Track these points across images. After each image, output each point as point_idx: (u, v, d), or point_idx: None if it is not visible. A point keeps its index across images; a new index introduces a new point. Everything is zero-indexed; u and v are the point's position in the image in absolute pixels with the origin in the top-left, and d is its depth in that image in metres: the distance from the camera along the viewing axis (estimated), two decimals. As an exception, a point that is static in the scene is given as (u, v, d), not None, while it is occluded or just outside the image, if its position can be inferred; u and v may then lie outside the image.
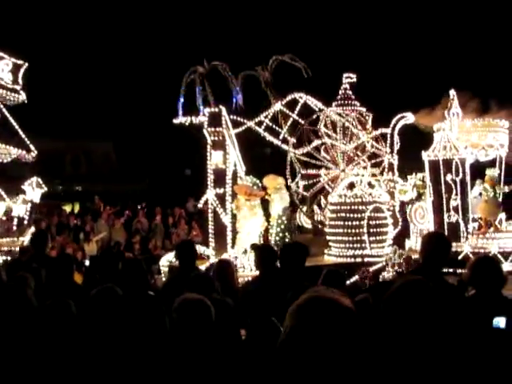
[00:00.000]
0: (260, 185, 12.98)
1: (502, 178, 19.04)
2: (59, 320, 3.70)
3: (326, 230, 14.06)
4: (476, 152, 18.20)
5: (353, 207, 13.57)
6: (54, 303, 3.85)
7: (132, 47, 26.72)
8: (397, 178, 14.78)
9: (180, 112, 13.04)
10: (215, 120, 12.07)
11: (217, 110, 12.16)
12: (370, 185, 14.02)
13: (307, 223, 15.03)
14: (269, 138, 13.86)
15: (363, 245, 13.43)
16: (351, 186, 13.99)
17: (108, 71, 27.07)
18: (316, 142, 14.44)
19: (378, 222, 13.59)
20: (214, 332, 3.34)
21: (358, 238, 13.46)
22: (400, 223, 14.66)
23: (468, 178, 17.35)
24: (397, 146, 15.19)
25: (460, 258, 16.34)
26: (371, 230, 13.49)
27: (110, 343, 3.50)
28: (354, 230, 13.49)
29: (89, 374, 3.34)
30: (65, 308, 3.81)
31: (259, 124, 13.82)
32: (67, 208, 25.81)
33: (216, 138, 12.30)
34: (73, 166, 31.70)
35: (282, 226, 13.85)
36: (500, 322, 3.82)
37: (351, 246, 13.48)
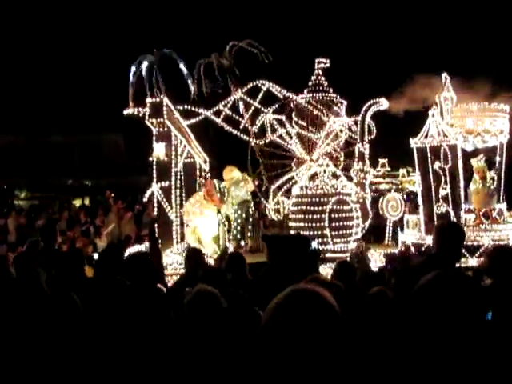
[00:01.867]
0: (225, 192, 12.53)
1: (504, 165, 17.85)
2: (63, 314, 3.73)
3: (290, 223, 13.38)
4: (472, 139, 17.07)
5: (314, 199, 12.82)
6: (57, 297, 3.92)
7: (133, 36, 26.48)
8: (368, 167, 13.87)
9: (131, 103, 12.55)
10: (156, 110, 11.51)
11: (158, 99, 11.59)
12: (335, 175, 13.22)
13: (276, 216, 14.36)
14: (227, 127, 13.21)
15: (325, 239, 12.67)
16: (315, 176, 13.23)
17: (115, 62, 26.91)
18: (280, 131, 13.67)
19: (341, 215, 12.79)
20: (224, 323, 3.36)
21: (320, 232, 12.72)
22: (370, 216, 13.77)
23: (460, 166, 16.32)
24: (369, 135, 14.25)
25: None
26: (334, 224, 12.70)
27: (115, 336, 3.53)
28: (315, 224, 12.75)
29: (93, 369, 3.34)
30: (69, 301, 3.85)
31: (218, 113, 13.22)
32: (77, 202, 25.92)
33: (160, 129, 11.77)
34: (82, 160, 31.79)
35: (239, 220, 13.37)
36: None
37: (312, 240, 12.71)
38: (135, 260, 5.79)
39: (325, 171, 13.01)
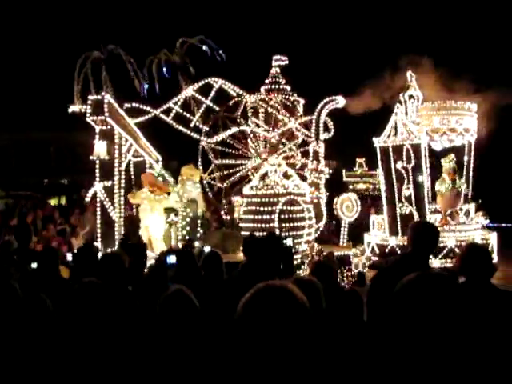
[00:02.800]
0: (168, 178, 12.23)
1: (472, 164, 17.54)
2: (32, 315, 3.61)
3: (241, 224, 13.10)
4: (438, 137, 16.75)
5: (264, 200, 12.53)
6: (27, 298, 3.80)
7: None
8: (322, 167, 13.54)
9: (76, 99, 12.27)
10: (97, 108, 11.22)
11: (99, 97, 11.29)
12: (286, 175, 12.91)
13: (229, 216, 14.07)
14: (177, 126, 12.90)
15: (275, 240, 12.35)
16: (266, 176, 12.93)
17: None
18: (233, 130, 13.34)
19: (291, 215, 12.49)
20: (197, 325, 3.38)
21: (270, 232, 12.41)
22: (325, 217, 13.46)
23: (424, 165, 16.02)
24: (323, 134, 13.91)
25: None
26: (284, 225, 12.41)
27: (84, 338, 3.40)
28: (265, 225, 12.46)
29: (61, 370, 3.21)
30: (38, 303, 3.70)
31: (168, 112, 12.90)
32: (53, 202, 25.59)
33: (104, 127, 11.49)
34: (58, 159, 31.43)
35: (188, 219, 13.10)
36: None
37: (262, 241, 12.40)
38: (108, 260, 5.62)
39: (276, 171, 12.72)
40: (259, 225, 12.47)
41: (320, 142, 13.58)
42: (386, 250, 15.66)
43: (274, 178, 12.61)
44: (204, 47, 12.83)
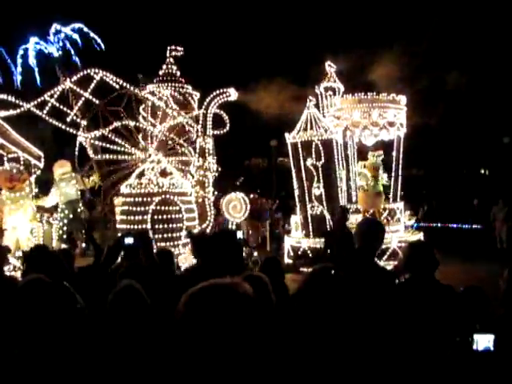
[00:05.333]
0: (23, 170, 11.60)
1: (401, 161, 16.49)
2: None
3: (117, 225, 12.36)
4: (359, 132, 15.74)
5: (137, 199, 11.77)
6: None
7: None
8: (210, 164, 12.67)
9: None
10: None
11: None
12: (164, 173, 12.10)
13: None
14: (52, 120, 12.13)
15: (148, 243, 11.57)
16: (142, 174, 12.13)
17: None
18: (115, 124, 12.53)
19: (166, 216, 11.71)
20: (148, 319, 3.34)
21: (142, 235, 11.64)
22: (209, 218, 12.61)
23: (338, 163, 15.10)
24: (221, 128, 13.05)
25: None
26: (157, 226, 11.64)
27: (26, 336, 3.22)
28: (137, 226, 11.70)
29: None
30: None
31: (42, 105, 12.15)
32: None
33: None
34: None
35: (65, 220, 12.44)
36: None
37: (135, 244, 11.63)
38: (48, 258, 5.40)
39: (153, 168, 11.93)
40: (132, 226, 11.71)
41: (208, 137, 12.71)
42: (299, 253, 14.79)
43: (149, 176, 11.83)
44: (75, 36, 12.00)
